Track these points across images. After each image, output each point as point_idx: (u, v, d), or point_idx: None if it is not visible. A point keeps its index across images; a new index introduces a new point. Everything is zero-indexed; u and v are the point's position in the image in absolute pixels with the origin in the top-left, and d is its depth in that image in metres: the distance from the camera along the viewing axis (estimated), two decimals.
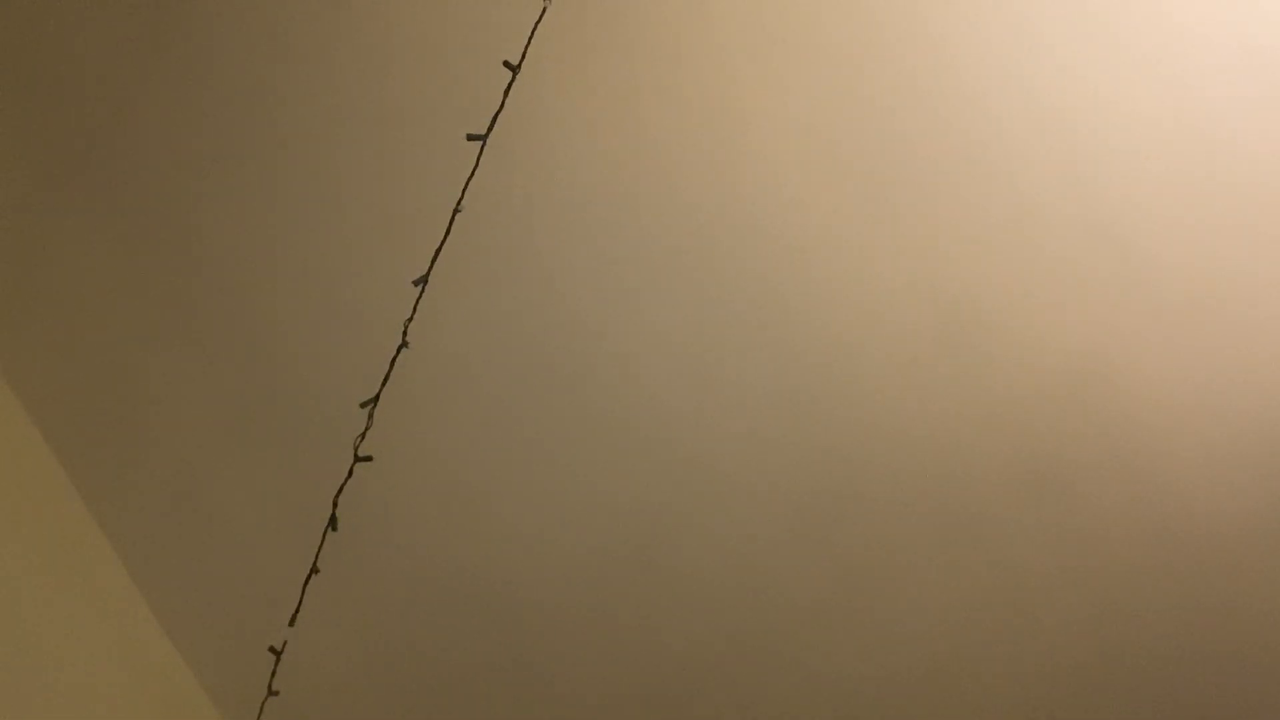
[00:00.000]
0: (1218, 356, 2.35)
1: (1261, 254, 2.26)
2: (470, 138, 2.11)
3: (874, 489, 2.49)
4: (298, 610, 2.41)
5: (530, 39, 2.05)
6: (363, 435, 2.31)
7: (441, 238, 2.18)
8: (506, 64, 2.07)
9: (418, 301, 2.22)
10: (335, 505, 2.35)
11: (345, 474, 2.35)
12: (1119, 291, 2.30)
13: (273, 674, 2.47)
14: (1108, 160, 2.24)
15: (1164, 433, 2.42)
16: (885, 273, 2.34)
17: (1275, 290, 2.28)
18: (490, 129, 2.10)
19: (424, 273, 2.17)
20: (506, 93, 2.08)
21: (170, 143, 2.37)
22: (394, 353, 2.27)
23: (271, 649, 2.43)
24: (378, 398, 2.29)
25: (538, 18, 2.06)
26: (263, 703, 2.50)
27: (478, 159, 2.13)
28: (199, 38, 2.29)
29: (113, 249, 2.45)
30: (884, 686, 2.65)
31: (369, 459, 2.32)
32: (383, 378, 2.28)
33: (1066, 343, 2.36)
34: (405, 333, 2.25)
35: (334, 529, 2.37)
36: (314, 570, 2.40)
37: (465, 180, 2.14)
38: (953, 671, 2.63)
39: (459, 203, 2.16)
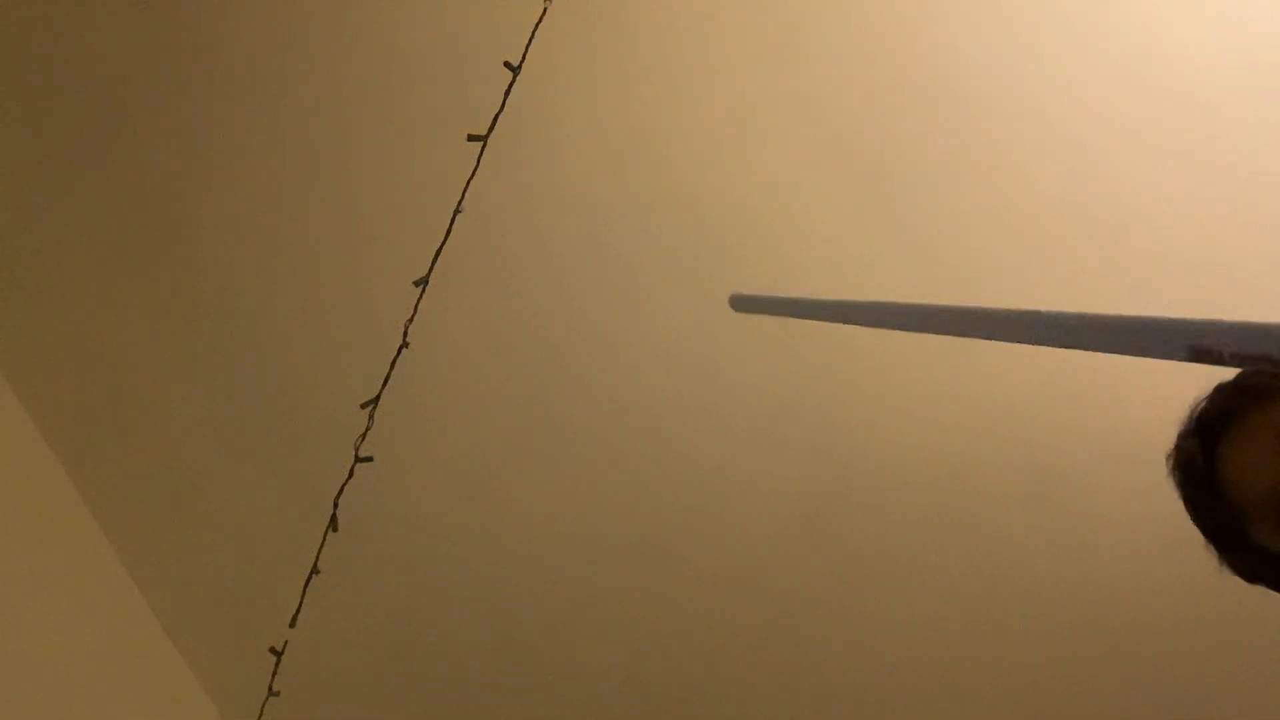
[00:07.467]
0: None
1: (1262, 255, 2.26)
2: (470, 138, 2.11)
3: (874, 490, 2.49)
4: (298, 610, 2.41)
5: (530, 39, 2.05)
6: (363, 435, 2.31)
7: (442, 238, 2.18)
8: (507, 64, 2.07)
9: (418, 301, 2.22)
10: (335, 505, 2.36)
11: (345, 474, 2.36)
12: (1119, 292, 2.30)
13: (273, 674, 2.47)
14: (1108, 161, 2.24)
15: (1163, 433, 2.42)
16: (887, 274, 2.34)
17: (1275, 290, 2.28)
18: (490, 129, 2.10)
19: (424, 273, 2.17)
20: (507, 93, 2.09)
21: (170, 143, 2.37)
22: (394, 353, 2.27)
23: (271, 649, 2.44)
24: (378, 398, 2.29)
25: (538, 18, 2.06)
26: (263, 703, 2.50)
27: (478, 159, 2.13)
28: (199, 38, 2.29)
29: (113, 249, 2.45)
30: (884, 686, 2.65)
31: (369, 459, 2.32)
32: (383, 378, 2.29)
33: None
34: (405, 333, 2.25)
35: (334, 529, 2.37)
36: (314, 570, 2.41)
37: (465, 180, 2.14)
38: (953, 671, 2.63)
39: (459, 203, 2.16)
